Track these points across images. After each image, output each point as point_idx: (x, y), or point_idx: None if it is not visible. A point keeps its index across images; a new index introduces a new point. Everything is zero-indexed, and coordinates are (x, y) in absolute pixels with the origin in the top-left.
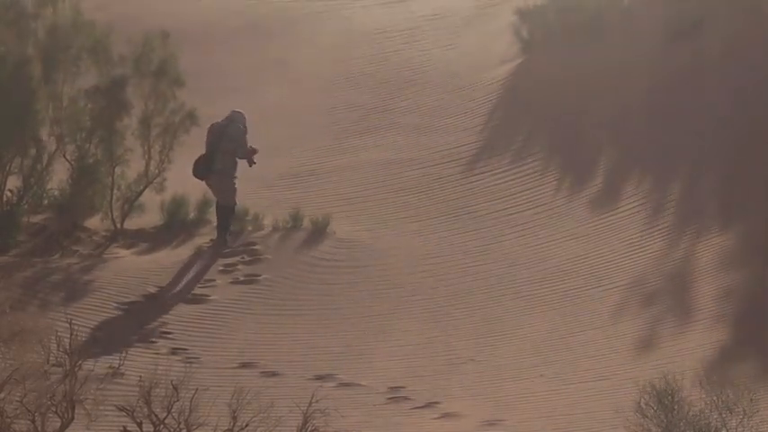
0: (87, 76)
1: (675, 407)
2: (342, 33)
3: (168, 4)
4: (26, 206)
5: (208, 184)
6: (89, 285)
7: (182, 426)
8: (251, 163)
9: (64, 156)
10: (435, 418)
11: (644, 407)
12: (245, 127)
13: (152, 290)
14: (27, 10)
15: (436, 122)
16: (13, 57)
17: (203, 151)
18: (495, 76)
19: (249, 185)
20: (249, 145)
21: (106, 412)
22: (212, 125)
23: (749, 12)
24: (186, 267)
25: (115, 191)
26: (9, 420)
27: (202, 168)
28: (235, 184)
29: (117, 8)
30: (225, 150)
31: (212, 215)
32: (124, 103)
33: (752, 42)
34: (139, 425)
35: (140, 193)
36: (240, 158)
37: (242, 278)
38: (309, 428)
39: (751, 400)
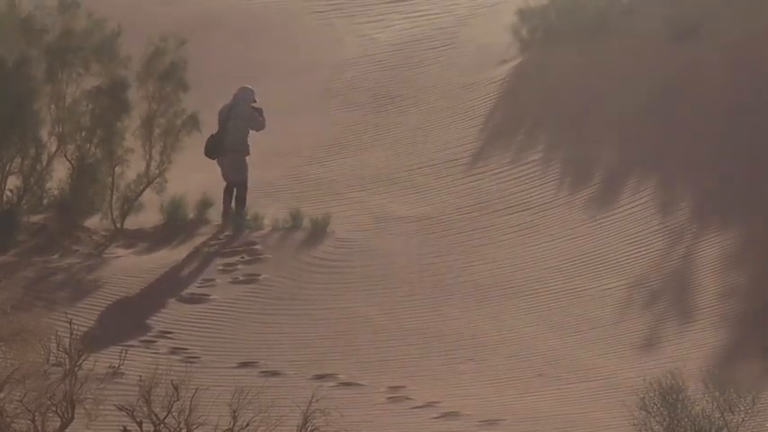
0: (90, 77)
1: (679, 405)
2: (340, 33)
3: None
4: (26, 206)
5: (219, 164)
6: (89, 285)
7: (182, 425)
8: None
9: (64, 155)
10: (435, 418)
11: (648, 403)
12: (255, 100)
13: (152, 290)
14: (35, 13)
15: (436, 122)
16: (14, 56)
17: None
18: (494, 76)
19: (250, 185)
20: (258, 115)
21: (106, 412)
22: (222, 107)
23: (749, 12)
24: (185, 266)
25: (115, 191)
26: (9, 420)
27: (212, 147)
28: (246, 161)
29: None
30: (235, 129)
31: (212, 215)
32: (125, 104)
33: (752, 42)
34: (139, 424)
35: (140, 193)
36: (255, 130)
37: (242, 278)
38: (309, 428)
39: (753, 399)
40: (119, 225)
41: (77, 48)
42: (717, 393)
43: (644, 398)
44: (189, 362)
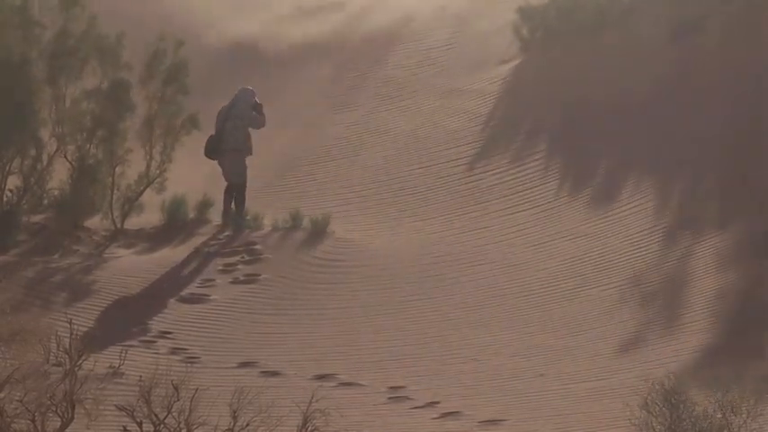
0: (91, 79)
1: (681, 406)
2: (339, 33)
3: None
4: (26, 206)
5: (219, 164)
6: (89, 285)
7: (182, 425)
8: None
9: (65, 156)
10: (435, 418)
11: (650, 404)
12: (255, 100)
13: (152, 290)
14: (34, 14)
15: (436, 122)
16: (15, 58)
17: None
18: (494, 76)
19: (250, 185)
20: (256, 113)
21: (106, 412)
22: (221, 108)
23: (749, 12)
24: (185, 266)
25: (115, 191)
26: (9, 420)
27: (211, 148)
28: (246, 162)
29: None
30: (234, 129)
31: (212, 215)
32: (127, 105)
33: (752, 42)
34: (139, 424)
35: (141, 193)
36: (255, 128)
37: (242, 278)
38: (309, 428)
39: (756, 401)
40: (119, 225)
41: (74, 49)
42: (719, 395)
43: (646, 398)
44: (189, 362)
